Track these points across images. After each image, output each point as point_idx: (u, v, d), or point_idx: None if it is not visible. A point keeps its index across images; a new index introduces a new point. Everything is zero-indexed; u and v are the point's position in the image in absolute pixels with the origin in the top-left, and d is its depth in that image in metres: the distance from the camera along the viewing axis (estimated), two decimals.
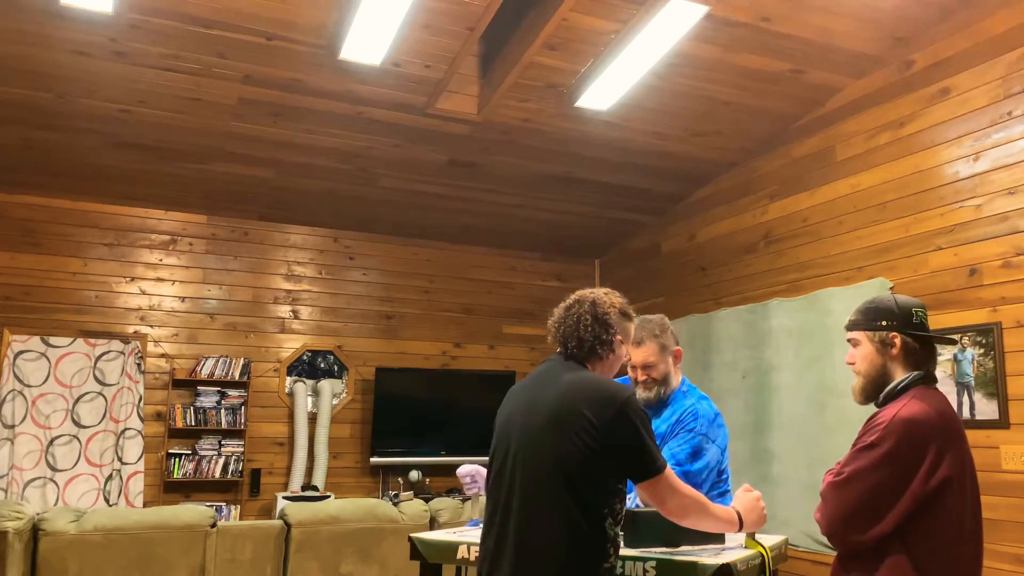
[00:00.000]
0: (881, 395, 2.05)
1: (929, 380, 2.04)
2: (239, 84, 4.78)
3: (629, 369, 2.80)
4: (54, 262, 6.23)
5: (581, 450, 1.88)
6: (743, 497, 2.19)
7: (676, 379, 2.81)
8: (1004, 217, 4.12)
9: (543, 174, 6.15)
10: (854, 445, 1.98)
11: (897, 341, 2.04)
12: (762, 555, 2.13)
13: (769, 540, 2.30)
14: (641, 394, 2.76)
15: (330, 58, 4.53)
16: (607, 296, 2.17)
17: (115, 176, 5.94)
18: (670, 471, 1.97)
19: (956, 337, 4.23)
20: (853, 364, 2.13)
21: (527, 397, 2.08)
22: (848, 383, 5.19)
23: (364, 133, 5.42)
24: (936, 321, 4.21)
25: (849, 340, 2.16)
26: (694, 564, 1.99)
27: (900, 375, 2.03)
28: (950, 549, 1.87)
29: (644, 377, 2.76)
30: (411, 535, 2.47)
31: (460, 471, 2.83)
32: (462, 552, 2.34)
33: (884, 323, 2.06)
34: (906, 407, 1.92)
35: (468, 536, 2.43)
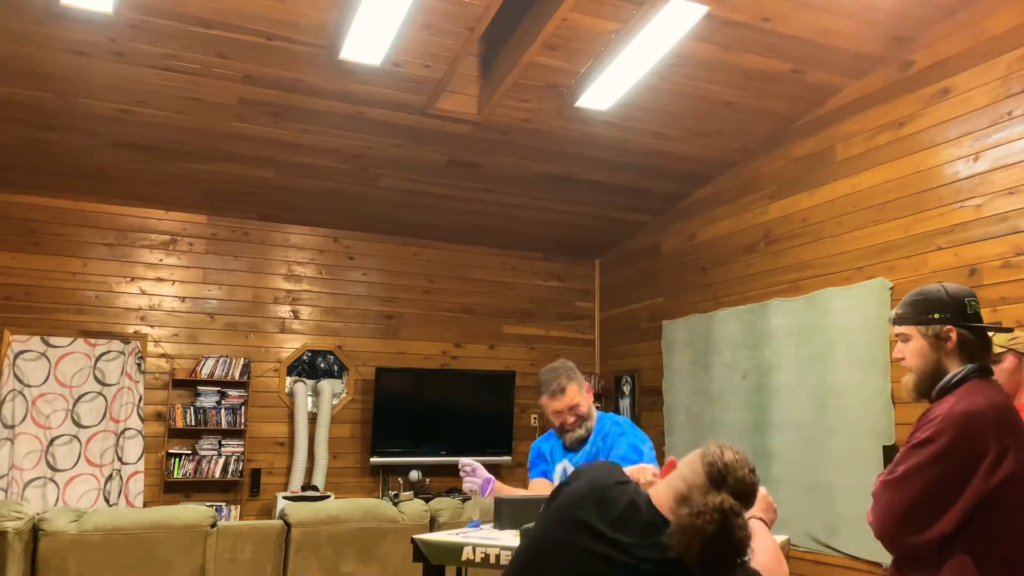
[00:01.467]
0: (935, 389, 1.92)
1: (985, 372, 1.91)
2: (239, 84, 4.78)
3: (553, 417, 3.00)
4: (54, 262, 6.23)
5: None
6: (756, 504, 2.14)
7: (594, 412, 3.04)
8: (1004, 217, 4.12)
9: (543, 174, 6.15)
10: (907, 442, 1.86)
11: (953, 335, 1.90)
12: None
13: None
14: (574, 433, 2.97)
15: (330, 58, 4.52)
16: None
17: (115, 176, 5.94)
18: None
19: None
20: (903, 359, 1.99)
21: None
22: (848, 382, 5.21)
23: (364, 133, 5.42)
24: None
25: (898, 335, 2.01)
26: None
27: (955, 369, 1.90)
28: (1016, 549, 1.76)
29: (573, 420, 2.95)
30: (414, 536, 2.47)
31: (462, 460, 2.95)
32: (467, 554, 2.33)
33: (936, 316, 1.92)
34: (962, 400, 1.81)
35: (472, 537, 2.43)
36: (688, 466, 1.74)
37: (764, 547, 1.88)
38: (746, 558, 1.68)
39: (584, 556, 1.71)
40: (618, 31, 4.42)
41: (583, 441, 2.97)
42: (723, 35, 4.48)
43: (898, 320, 1.99)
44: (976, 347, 1.91)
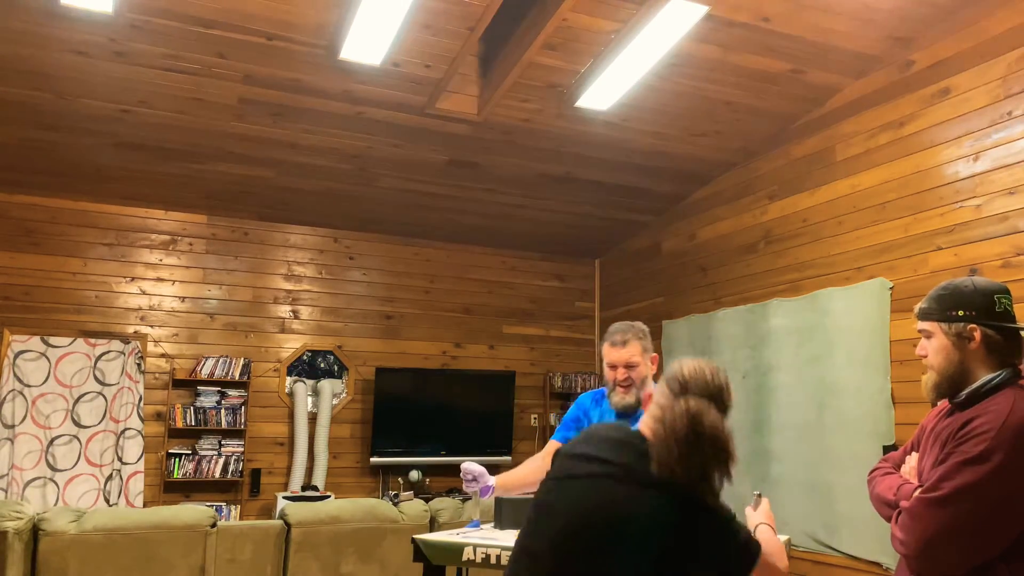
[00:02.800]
0: (963, 394, 1.77)
1: (1018, 377, 1.75)
2: (239, 84, 4.78)
3: (608, 370, 2.86)
4: (54, 262, 6.23)
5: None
6: (760, 514, 2.13)
7: (651, 386, 2.83)
8: (1004, 217, 4.12)
9: (543, 174, 6.15)
10: (948, 454, 1.69)
11: (976, 335, 1.75)
12: None
13: None
14: (622, 398, 2.81)
15: (330, 58, 4.53)
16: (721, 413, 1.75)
17: (115, 176, 5.94)
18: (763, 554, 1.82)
19: None
20: (925, 356, 1.84)
21: (593, 503, 1.74)
22: (848, 382, 5.20)
23: (364, 133, 5.42)
24: None
25: (921, 330, 1.86)
26: None
27: (982, 372, 1.76)
28: None
29: (625, 376, 2.80)
30: (415, 537, 2.46)
31: (465, 466, 2.85)
32: (467, 554, 2.33)
33: (961, 313, 1.76)
34: (1014, 411, 1.63)
35: (473, 538, 2.43)
36: (656, 390, 1.81)
37: (769, 546, 1.88)
38: (730, 458, 1.71)
39: (587, 482, 1.74)
40: (618, 31, 4.42)
41: (632, 410, 2.80)
42: (723, 35, 4.48)
43: (921, 315, 1.86)
44: (1005, 349, 1.75)
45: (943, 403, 1.91)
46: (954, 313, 1.78)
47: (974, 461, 1.62)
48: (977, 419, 1.68)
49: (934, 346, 1.82)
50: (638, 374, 2.80)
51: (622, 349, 2.79)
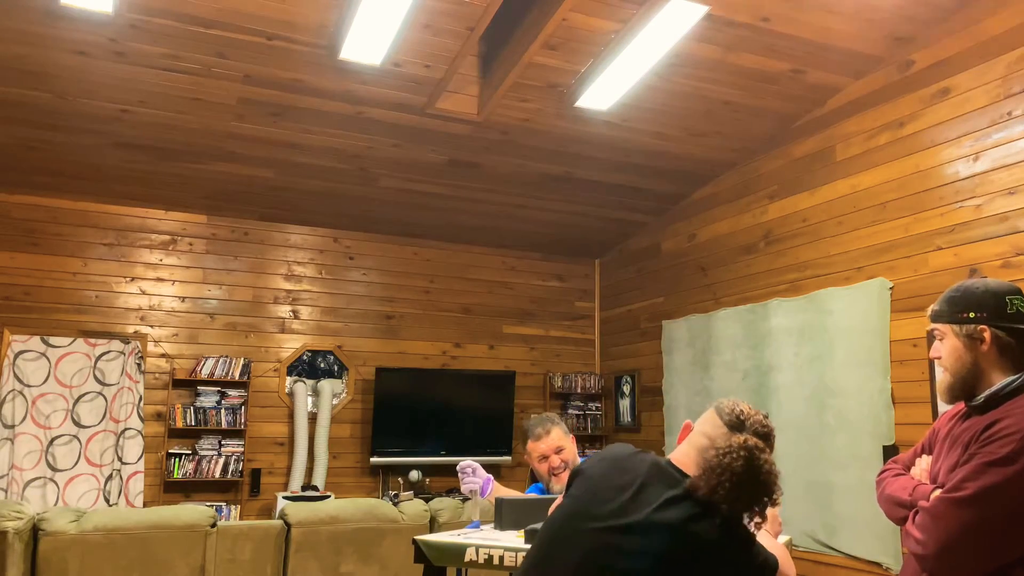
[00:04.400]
0: (981, 397, 1.76)
1: None
2: (239, 84, 4.78)
3: (539, 463, 3.03)
4: (54, 262, 6.23)
5: None
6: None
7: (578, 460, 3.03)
8: (1004, 217, 4.12)
9: (543, 174, 6.15)
10: (972, 455, 1.67)
11: (987, 336, 1.74)
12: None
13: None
14: (559, 486, 2.95)
15: (330, 58, 4.52)
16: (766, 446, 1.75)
17: (115, 176, 5.94)
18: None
19: None
20: (939, 359, 1.83)
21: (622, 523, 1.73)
22: (848, 382, 5.20)
23: (364, 133, 5.42)
24: None
25: (933, 332, 1.86)
26: None
27: (996, 374, 1.75)
28: None
29: (559, 462, 2.98)
30: (416, 538, 2.47)
31: (461, 463, 2.98)
32: (470, 555, 2.33)
33: (972, 315, 1.76)
34: None
35: (474, 538, 2.43)
36: (706, 422, 1.80)
37: (779, 555, 1.89)
38: (775, 496, 1.70)
39: (594, 543, 1.72)
40: (618, 31, 4.42)
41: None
42: (723, 35, 4.48)
43: (933, 316, 1.85)
44: (1016, 350, 1.74)
45: (956, 406, 1.90)
46: (964, 315, 1.77)
47: (1000, 463, 1.60)
48: (1003, 421, 1.66)
49: (946, 348, 1.81)
50: (568, 455, 3.00)
51: (547, 438, 2.99)
